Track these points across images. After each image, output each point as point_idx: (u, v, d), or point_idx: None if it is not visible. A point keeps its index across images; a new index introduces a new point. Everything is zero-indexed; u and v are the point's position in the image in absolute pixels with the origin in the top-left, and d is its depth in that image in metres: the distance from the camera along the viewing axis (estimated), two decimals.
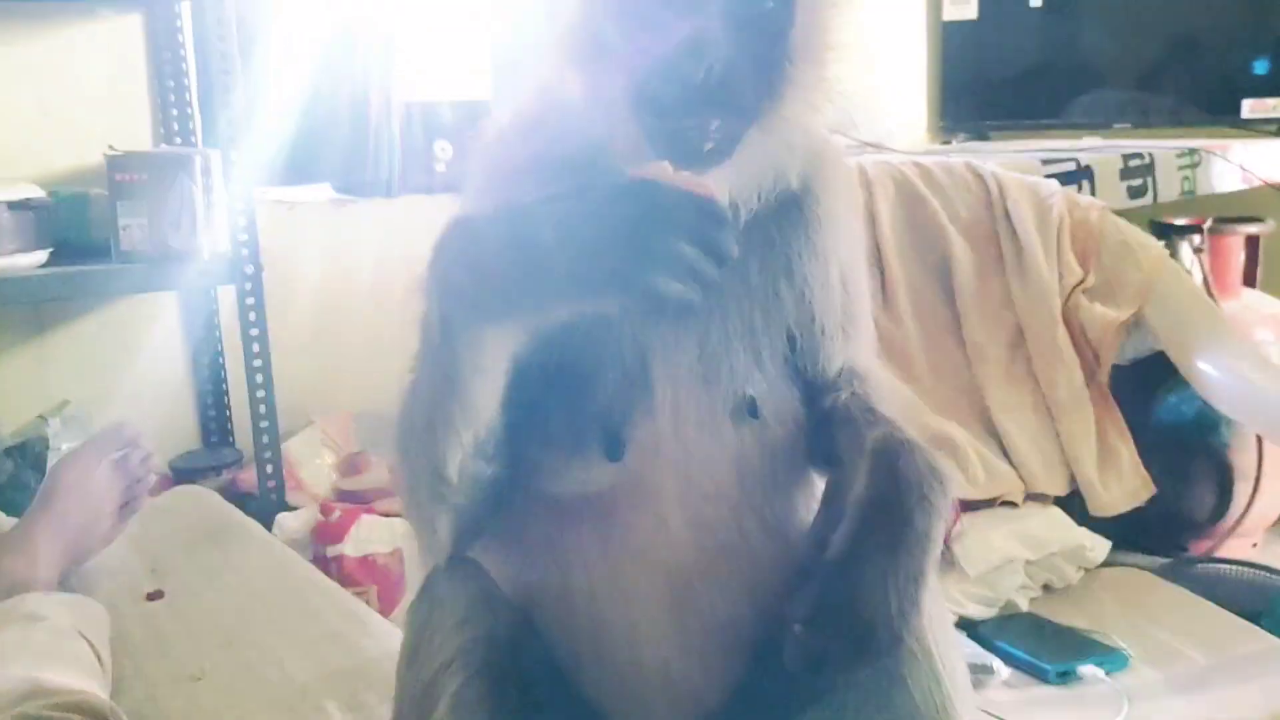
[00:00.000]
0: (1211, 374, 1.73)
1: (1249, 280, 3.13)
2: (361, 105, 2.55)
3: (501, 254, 0.78)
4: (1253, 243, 3.10)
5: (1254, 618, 2.52)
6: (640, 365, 0.92)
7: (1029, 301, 1.92)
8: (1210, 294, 2.93)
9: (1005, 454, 1.88)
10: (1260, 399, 1.67)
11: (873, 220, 1.88)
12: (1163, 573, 2.60)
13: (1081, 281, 1.92)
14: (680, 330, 0.92)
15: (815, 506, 0.99)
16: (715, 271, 0.74)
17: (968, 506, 1.76)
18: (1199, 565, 2.81)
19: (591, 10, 0.90)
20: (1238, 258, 3.01)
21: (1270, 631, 2.49)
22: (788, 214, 0.97)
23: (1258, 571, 2.80)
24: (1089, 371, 1.93)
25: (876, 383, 1.00)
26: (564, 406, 0.92)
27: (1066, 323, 1.92)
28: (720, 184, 0.87)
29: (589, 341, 0.91)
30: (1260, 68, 3.16)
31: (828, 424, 0.97)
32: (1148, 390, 2.40)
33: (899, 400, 1.01)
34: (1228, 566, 2.85)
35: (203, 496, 2.02)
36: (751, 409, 0.94)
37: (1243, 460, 2.84)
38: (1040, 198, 1.95)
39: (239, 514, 1.95)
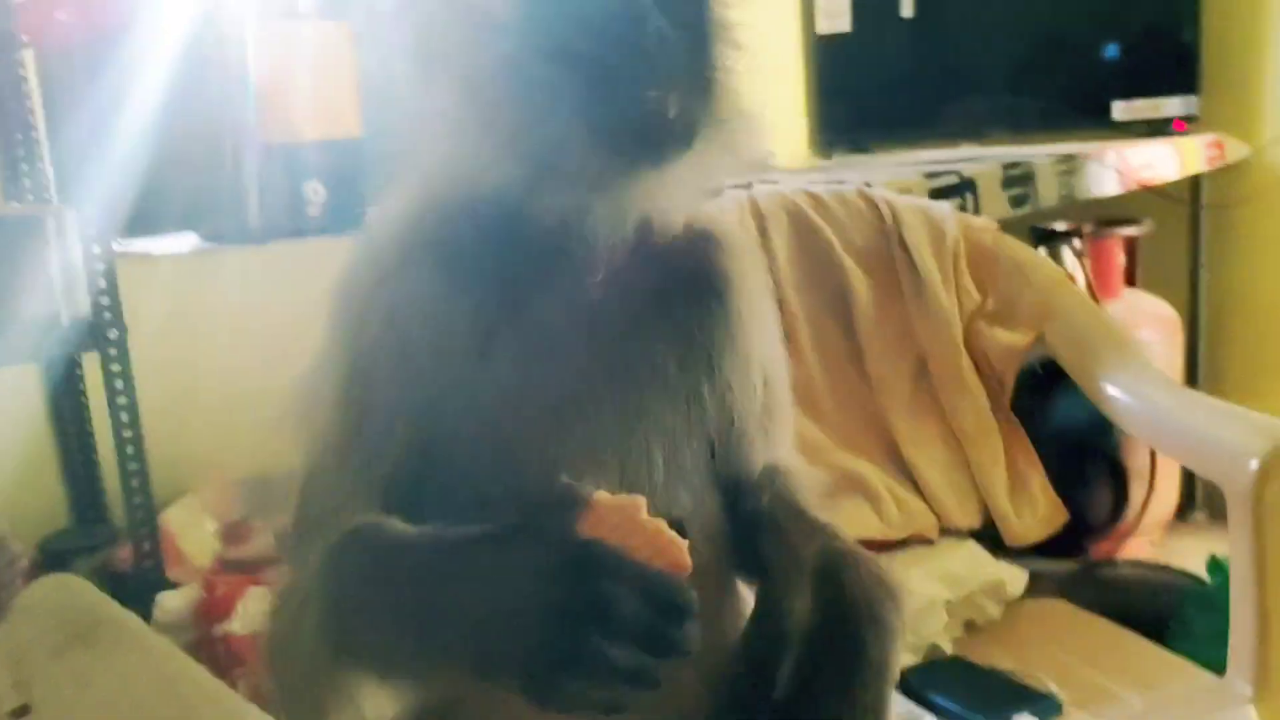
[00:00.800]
0: (1121, 399, 1.71)
1: (1129, 280, 3.19)
2: (222, 149, 2.42)
3: (399, 612, 0.68)
4: (1131, 244, 3.15)
5: (1163, 620, 2.56)
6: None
7: (930, 330, 1.88)
8: (1093, 296, 2.97)
9: (916, 488, 1.85)
10: (1171, 424, 1.65)
11: (769, 255, 1.83)
12: (1070, 582, 2.62)
13: (981, 306, 1.89)
14: (598, 448, 0.84)
15: (742, 622, 0.92)
16: (657, 675, 0.63)
17: (883, 547, 1.72)
18: (1103, 569, 2.85)
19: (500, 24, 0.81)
20: (1118, 259, 3.07)
21: (1180, 634, 2.52)
22: (705, 305, 0.90)
23: (1161, 572, 2.85)
24: (994, 398, 1.90)
25: (797, 478, 0.94)
26: None
27: (968, 349, 1.89)
28: (674, 185, 0.79)
29: (492, 471, 0.82)
30: (1126, 69, 3.21)
31: (752, 530, 0.90)
32: (1040, 396, 2.41)
33: (816, 490, 0.95)
34: (1131, 569, 2.90)
35: (71, 587, 1.86)
36: (679, 531, 0.87)
37: (1137, 461, 2.88)
38: (934, 222, 1.92)
39: (113, 606, 1.81)
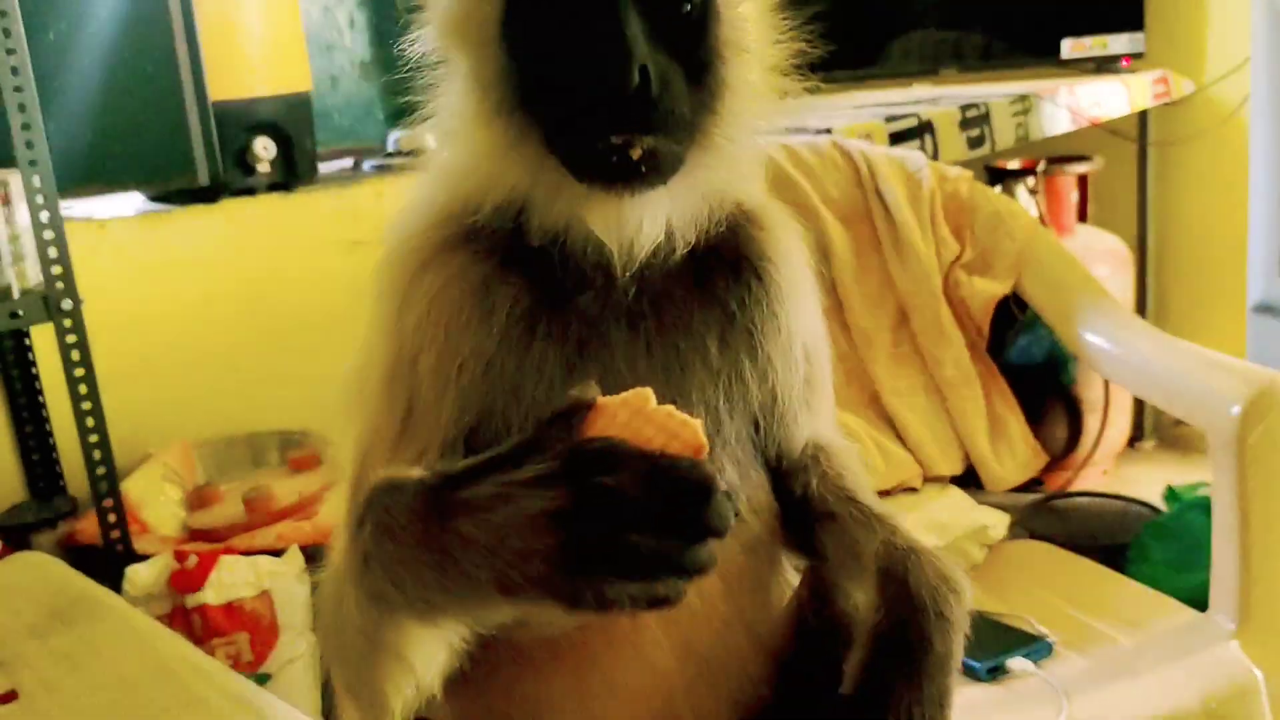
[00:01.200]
0: (1101, 346, 1.73)
1: (1081, 216, 3.22)
2: (171, 106, 2.34)
3: (418, 553, 0.66)
4: (1083, 180, 3.19)
5: (1121, 548, 2.62)
6: None
7: (909, 281, 1.89)
8: None
9: (899, 438, 1.86)
10: (1153, 371, 1.68)
11: None
12: (1028, 515, 2.67)
13: (959, 256, 1.90)
14: None
15: (788, 592, 0.92)
16: (703, 557, 0.61)
17: None
18: (1061, 500, 2.91)
19: (492, 46, 0.81)
20: (1071, 197, 3.10)
21: (1137, 561, 2.59)
22: (745, 283, 0.89)
23: (1116, 501, 2.92)
24: (973, 346, 1.92)
25: (841, 457, 0.93)
26: None
27: (947, 298, 1.90)
28: (659, 211, 0.80)
29: None
30: (1073, 6, 3.22)
31: (803, 514, 0.90)
32: (997, 333, 2.44)
33: (859, 466, 0.95)
34: (1088, 499, 2.96)
35: (44, 567, 1.83)
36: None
37: (1090, 394, 2.94)
38: (909, 173, 1.92)
39: (88, 582, 1.78)
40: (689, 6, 0.79)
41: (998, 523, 1.81)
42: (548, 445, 0.64)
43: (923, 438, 1.86)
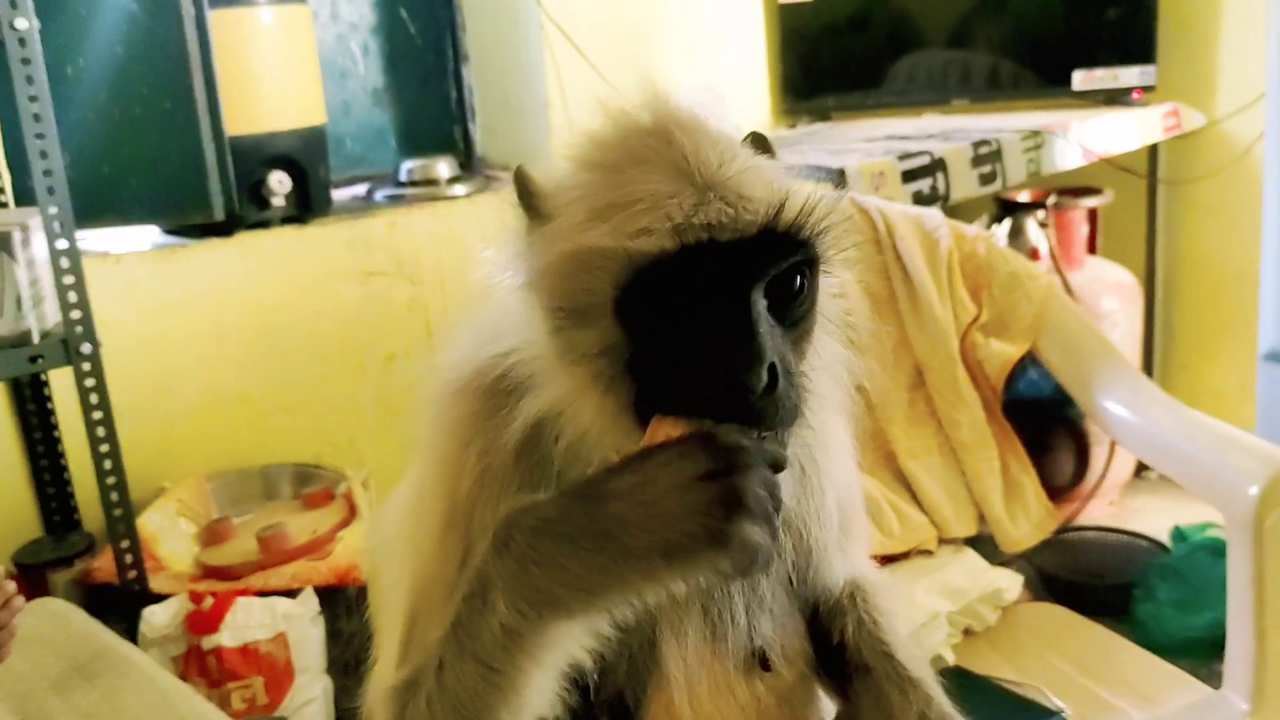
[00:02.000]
0: (1118, 415, 1.74)
1: (1090, 249, 3.23)
2: (187, 140, 2.34)
3: (578, 540, 0.72)
4: (1093, 214, 3.19)
5: (1127, 586, 2.64)
6: (641, 651, 0.86)
7: (926, 342, 1.89)
8: (1057, 267, 3.01)
9: (914, 499, 1.87)
10: (1171, 446, 1.69)
11: None
12: (1035, 549, 2.68)
13: (976, 318, 1.90)
14: (694, 598, 0.85)
15: None
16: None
17: (884, 560, 1.74)
18: (1068, 535, 2.93)
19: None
20: (1081, 230, 3.11)
21: (1143, 599, 2.61)
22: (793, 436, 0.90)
23: (1123, 537, 2.94)
24: (988, 407, 1.93)
25: (878, 597, 0.95)
26: (576, 695, 0.84)
27: (963, 360, 1.91)
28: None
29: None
30: (1085, 38, 3.22)
31: (839, 661, 0.92)
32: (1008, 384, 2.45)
33: (896, 605, 0.96)
34: (1094, 534, 2.98)
35: (66, 616, 1.83)
36: (763, 661, 0.87)
37: (1098, 428, 2.95)
38: (926, 231, 1.93)
39: (108, 635, 1.79)
40: (802, 300, 0.82)
41: (1012, 584, 1.82)
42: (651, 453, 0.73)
43: (938, 499, 1.87)
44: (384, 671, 0.88)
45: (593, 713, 0.85)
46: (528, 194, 0.83)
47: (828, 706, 0.97)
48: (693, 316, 0.77)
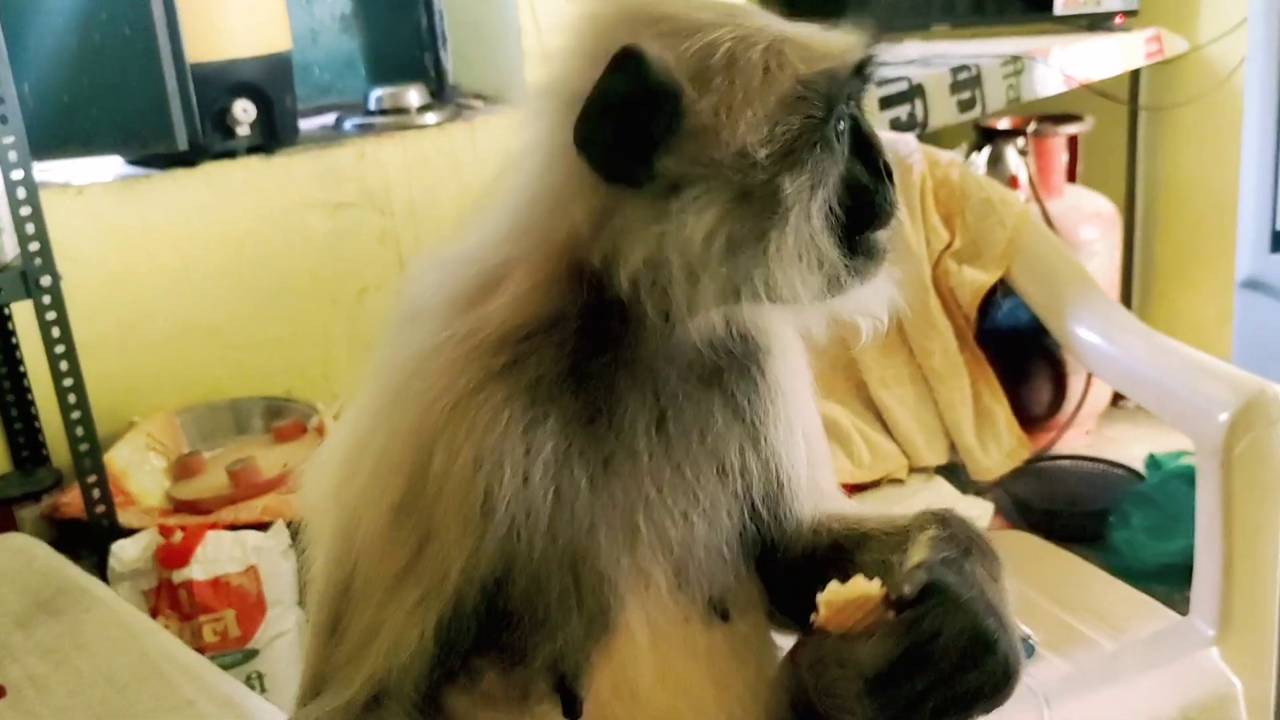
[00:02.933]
0: (1090, 342, 1.72)
1: (1070, 177, 3.20)
2: (148, 68, 2.28)
3: None
4: (1073, 142, 3.16)
5: (1101, 514, 2.65)
6: (602, 600, 0.82)
7: (899, 270, 1.86)
8: (1036, 196, 2.98)
9: (885, 429, 1.86)
10: (1141, 373, 1.67)
11: None
12: (1010, 477, 2.68)
13: (949, 245, 1.88)
14: (660, 547, 0.83)
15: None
16: None
17: (854, 490, 1.74)
18: (1044, 463, 2.93)
19: None
20: (1060, 158, 3.08)
21: (1118, 527, 2.62)
22: (750, 376, 0.88)
23: (1098, 465, 2.94)
24: (961, 335, 1.91)
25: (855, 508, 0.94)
26: (508, 662, 0.82)
27: (936, 288, 1.89)
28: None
29: (527, 594, 0.80)
30: None
31: (822, 565, 0.90)
32: (983, 304, 2.44)
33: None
34: (1070, 463, 2.98)
35: (29, 551, 1.82)
36: (722, 613, 0.86)
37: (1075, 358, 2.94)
38: (900, 158, 1.89)
39: (74, 569, 1.78)
40: None
41: (982, 513, 1.82)
42: None
43: (909, 428, 1.86)
44: (304, 679, 0.84)
45: (526, 679, 0.82)
46: (646, 73, 0.76)
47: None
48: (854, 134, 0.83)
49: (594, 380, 0.82)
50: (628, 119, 0.76)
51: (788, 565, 0.92)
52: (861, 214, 0.84)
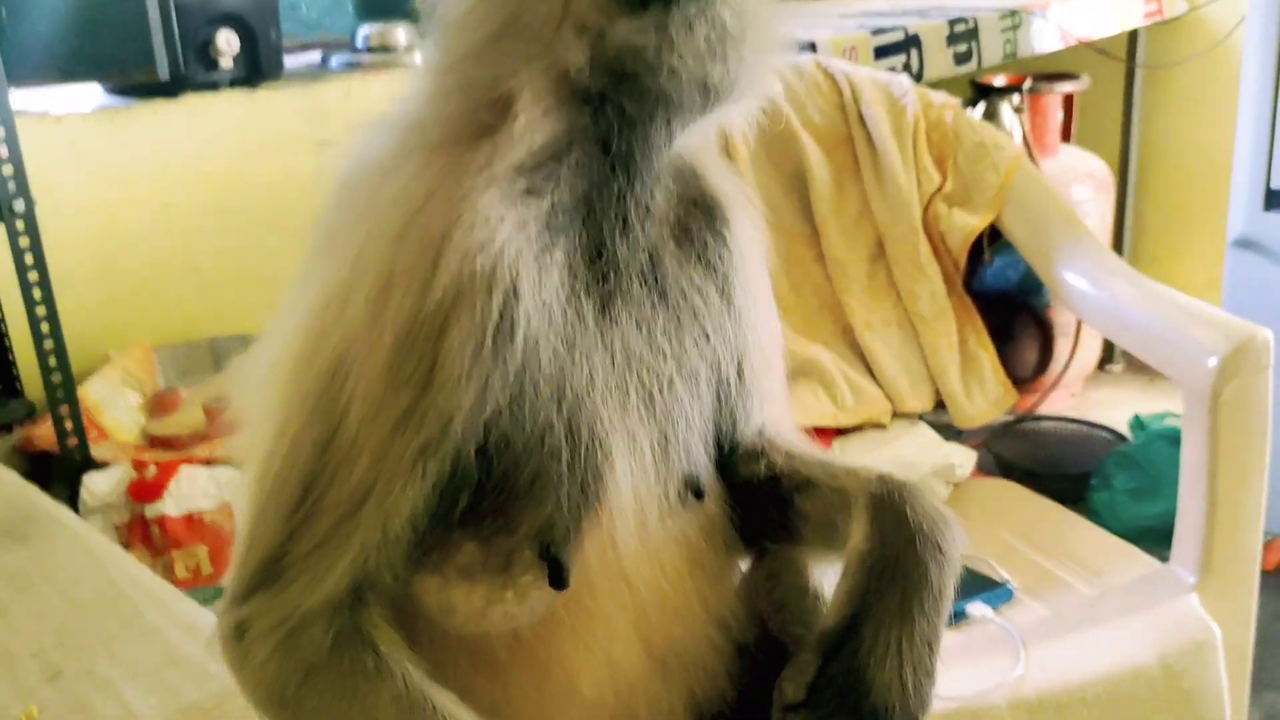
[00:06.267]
0: (1079, 288, 1.70)
1: (1065, 136, 3.17)
2: None
3: None
4: (1069, 100, 3.12)
5: (1084, 475, 2.64)
6: (594, 462, 0.77)
7: (888, 211, 1.84)
8: (1030, 153, 2.95)
9: (870, 372, 1.84)
10: (1130, 318, 1.65)
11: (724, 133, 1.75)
12: (995, 437, 2.67)
13: (940, 188, 1.85)
14: (648, 408, 0.79)
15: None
16: None
17: (837, 433, 1.72)
18: (1028, 423, 2.92)
19: None
20: (1056, 116, 3.04)
21: (1100, 487, 2.61)
22: (719, 233, 0.86)
23: (1082, 427, 2.93)
24: (949, 280, 1.88)
25: (805, 445, 0.90)
26: (489, 531, 0.77)
27: (926, 231, 1.86)
28: None
29: (523, 450, 0.75)
30: None
31: (766, 493, 0.87)
32: (972, 256, 2.42)
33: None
34: (1054, 424, 2.97)
35: None
36: (696, 489, 0.83)
37: (1063, 318, 2.93)
38: (894, 98, 1.86)
39: (41, 497, 1.75)
40: None
41: (965, 460, 1.79)
42: None
43: (894, 372, 1.83)
44: (246, 566, 0.77)
45: (509, 547, 0.77)
46: None
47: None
48: None
49: (598, 215, 0.79)
50: None
51: (730, 485, 0.89)
52: None
